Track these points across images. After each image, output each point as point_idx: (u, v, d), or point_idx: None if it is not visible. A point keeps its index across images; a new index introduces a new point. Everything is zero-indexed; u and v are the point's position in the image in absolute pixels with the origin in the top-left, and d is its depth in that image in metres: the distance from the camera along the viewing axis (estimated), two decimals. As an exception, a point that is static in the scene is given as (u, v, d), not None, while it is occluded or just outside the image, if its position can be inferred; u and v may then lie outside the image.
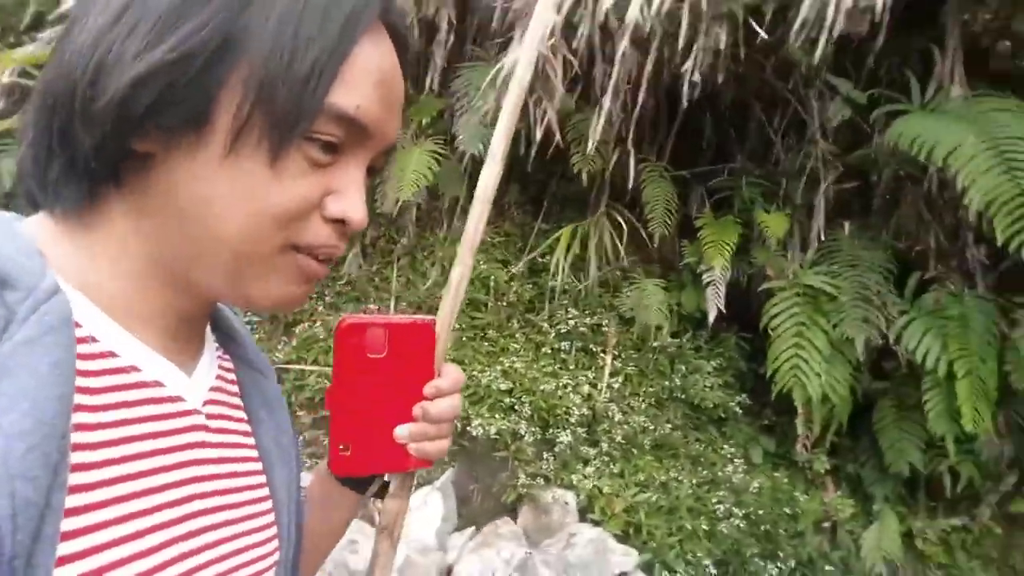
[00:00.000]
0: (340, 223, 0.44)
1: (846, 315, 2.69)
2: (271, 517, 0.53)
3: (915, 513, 3.01)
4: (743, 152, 3.53)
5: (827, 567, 2.77)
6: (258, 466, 0.53)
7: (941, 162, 2.37)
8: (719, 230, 3.02)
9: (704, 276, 2.91)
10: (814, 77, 2.93)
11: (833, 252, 2.94)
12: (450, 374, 0.63)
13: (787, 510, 2.82)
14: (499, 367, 2.75)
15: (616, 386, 2.85)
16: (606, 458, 2.69)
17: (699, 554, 2.52)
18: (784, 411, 3.04)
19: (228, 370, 0.54)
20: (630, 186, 3.06)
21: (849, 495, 3.04)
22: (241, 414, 0.53)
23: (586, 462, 2.71)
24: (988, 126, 2.45)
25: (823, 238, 2.91)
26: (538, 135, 2.83)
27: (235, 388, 0.54)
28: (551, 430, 2.68)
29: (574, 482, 2.62)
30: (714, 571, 2.51)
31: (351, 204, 0.44)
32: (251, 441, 0.53)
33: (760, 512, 2.74)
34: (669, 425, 2.84)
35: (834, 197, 3.28)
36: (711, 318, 2.86)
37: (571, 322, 2.92)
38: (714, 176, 3.41)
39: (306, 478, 0.65)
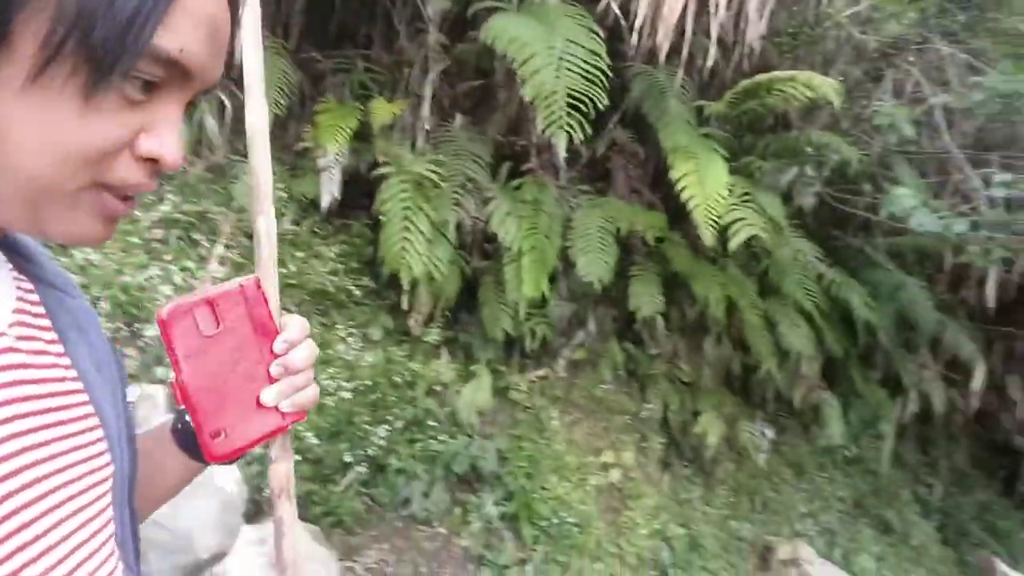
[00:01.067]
0: (152, 162, 0.42)
1: (444, 200, 2.94)
2: (99, 432, 0.51)
3: (511, 370, 3.60)
4: (379, 40, 3.50)
5: (431, 423, 3.18)
6: (78, 384, 0.50)
7: (510, 57, 2.63)
8: (339, 115, 2.99)
9: (319, 161, 2.87)
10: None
11: (443, 142, 3.15)
12: (294, 323, 0.63)
13: (398, 379, 3.11)
14: (72, 261, 2.39)
15: (221, 275, 2.72)
16: (207, 348, 2.58)
17: (300, 427, 2.64)
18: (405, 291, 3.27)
19: (29, 291, 0.49)
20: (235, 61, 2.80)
21: (461, 361, 3.49)
22: (51, 335, 0.49)
23: (187, 354, 2.57)
24: (555, 29, 2.78)
25: (429, 128, 3.08)
26: None
27: (40, 310, 0.49)
28: (136, 325, 2.46)
29: (167, 377, 2.48)
30: (316, 441, 2.67)
31: (166, 143, 0.42)
32: (66, 361, 0.50)
33: (371, 383, 2.97)
34: (284, 310, 2.84)
35: (463, 91, 3.49)
36: (324, 204, 2.87)
37: (165, 208, 2.65)
38: (348, 62, 3.33)
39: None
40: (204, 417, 0.57)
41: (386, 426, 3.01)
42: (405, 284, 2.96)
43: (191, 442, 0.64)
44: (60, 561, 0.44)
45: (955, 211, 2.90)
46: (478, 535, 3.04)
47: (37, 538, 0.42)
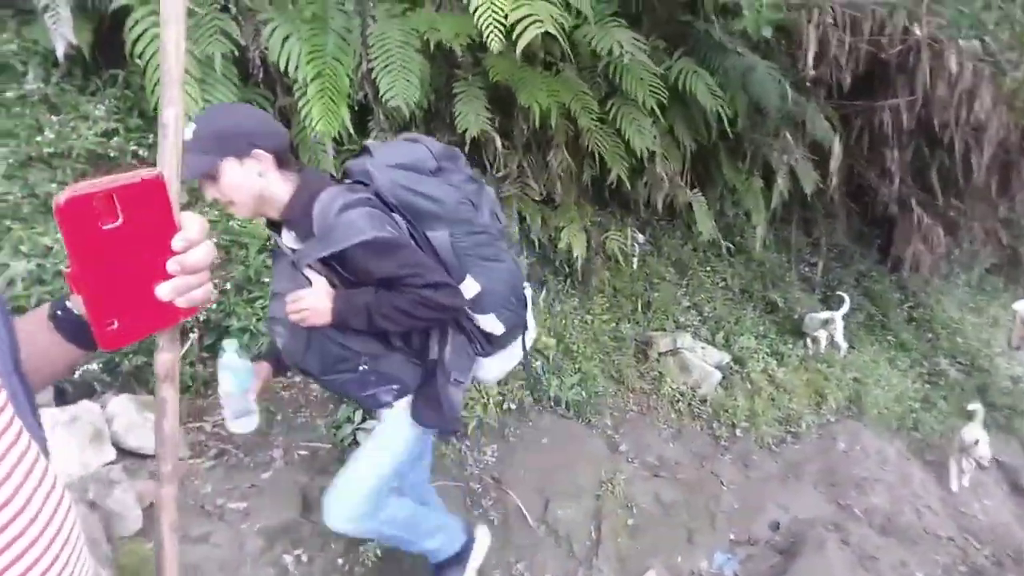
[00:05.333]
0: None
1: (204, 30, 2.56)
2: None
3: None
4: None
5: (266, 280, 3.07)
6: None
7: None
8: (53, -62, 2.45)
9: (36, 1, 2.41)
10: None
11: (197, -41, 2.67)
12: (193, 222, 0.63)
13: (214, 241, 2.93)
14: None
15: None
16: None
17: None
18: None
19: None
20: None
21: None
22: None
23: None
24: None
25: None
26: None
27: None
28: None
29: None
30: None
31: None
32: None
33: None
34: (54, 185, 2.54)
35: None
36: (60, 53, 2.45)
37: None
38: None
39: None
40: (97, 308, 0.59)
41: (214, 291, 2.89)
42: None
43: (72, 329, 0.67)
44: None
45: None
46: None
47: None
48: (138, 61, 2.54)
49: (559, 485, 3.17)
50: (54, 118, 2.58)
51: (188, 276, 0.63)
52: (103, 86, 2.77)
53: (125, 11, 2.51)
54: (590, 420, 3.83)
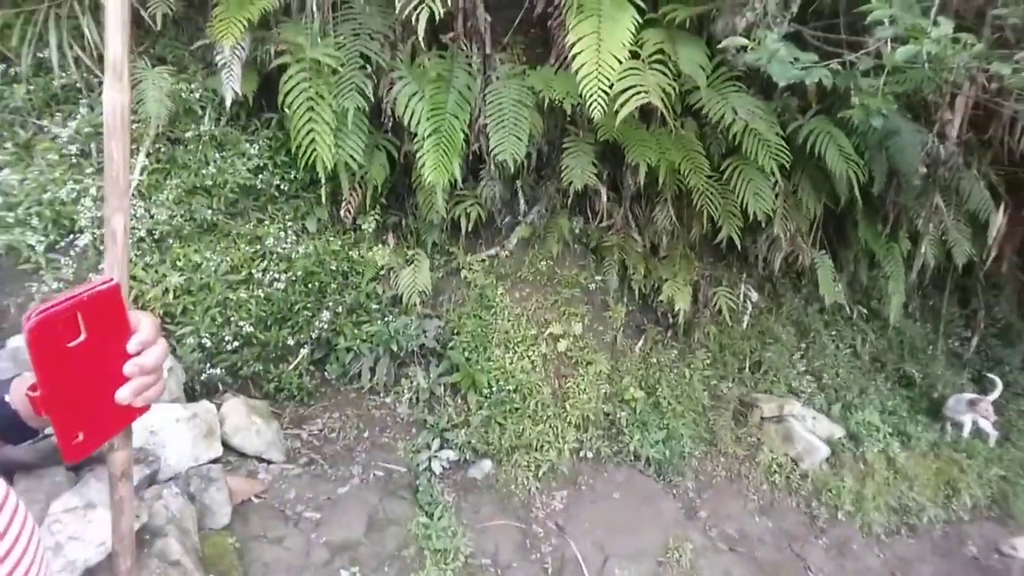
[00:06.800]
0: None
1: (343, 86, 2.88)
2: None
3: (462, 251, 3.67)
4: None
5: (375, 306, 3.37)
6: None
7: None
8: (235, 6, 2.90)
9: (217, 58, 2.86)
10: None
11: (346, 21, 3.01)
12: (146, 323, 0.62)
13: (335, 267, 3.26)
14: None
15: (146, 181, 2.88)
16: (137, 252, 2.82)
17: (235, 318, 2.90)
18: (337, 183, 3.32)
19: None
20: None
21: (410, 245, 3.59)
22: None
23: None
24: None
25: (325, 6, 2.94)
26: None
27: None
28: (69, 236, 2.72)
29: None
30: (251, 329, 2.93)
31: None
32: None
33: (309, 272, 3.15)
34: (210, 211, 3.00)
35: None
36: (228, 101, 2.88)
37: (78, 122, 2.79)
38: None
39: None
40: (63, 426, 0.58)
41: (328, 312, 3.24)
42: (322, 175, 3.02)
43: (5, 425, 0.65)
44: None
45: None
46: (422, 403, 3.31)
47: None
48: (287, 110, 2.92)
49: (622, 544, 3.15)
50: (218, 155, 3.04)
51: (144, 377, 0.62)
52: (260, 127, 3.21)
53: (283, 67, 2.91)
54: (671, 480, 3.74)
